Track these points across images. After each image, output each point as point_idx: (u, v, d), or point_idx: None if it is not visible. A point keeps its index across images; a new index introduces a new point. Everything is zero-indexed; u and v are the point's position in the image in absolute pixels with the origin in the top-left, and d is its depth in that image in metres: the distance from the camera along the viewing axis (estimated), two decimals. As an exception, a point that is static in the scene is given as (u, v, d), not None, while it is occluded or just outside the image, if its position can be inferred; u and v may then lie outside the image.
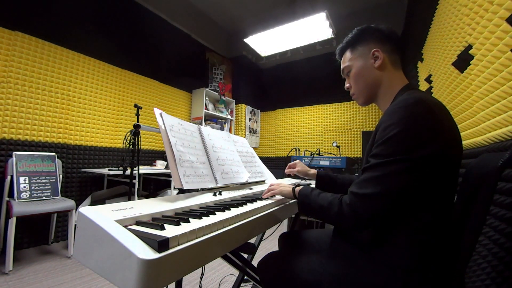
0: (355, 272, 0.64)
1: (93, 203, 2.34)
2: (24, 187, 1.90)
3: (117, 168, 2.36)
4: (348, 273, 0.65)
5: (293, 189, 0.86)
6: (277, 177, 1.54)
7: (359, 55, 0.79)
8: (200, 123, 3.58)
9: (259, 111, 4.79)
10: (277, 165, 4.45)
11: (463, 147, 0.97)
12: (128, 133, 1.81)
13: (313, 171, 1.10)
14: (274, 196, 0.94)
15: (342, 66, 0.85)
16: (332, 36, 3.11)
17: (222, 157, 1.09)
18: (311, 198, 0.75)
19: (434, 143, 0.56)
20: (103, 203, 0.67)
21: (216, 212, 0.63)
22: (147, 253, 0.38)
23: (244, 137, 3.53)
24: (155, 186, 3.16)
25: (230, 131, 4.16)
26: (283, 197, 0.93)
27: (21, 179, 1.90)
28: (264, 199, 0.91)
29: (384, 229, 0.63)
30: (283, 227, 2.56)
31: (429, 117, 0.58)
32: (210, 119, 3.89)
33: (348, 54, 0.82)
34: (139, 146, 1.82)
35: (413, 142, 0.57)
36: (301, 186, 0.84)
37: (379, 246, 0.63)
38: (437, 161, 0.57)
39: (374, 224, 0.63)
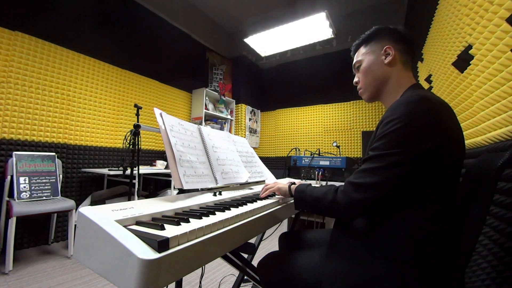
0: (354, 267, 0.65)
1: (93, 203, 2.34)
2: (24, 187, 1.90)
3: (117, 168, 2.36)
4: (347, 269, 0.66)
5: (289, 186, 0.87)
6: (277, 177, 1.54)
7: (371, 50, 0.80)
8: (200, 123, 3.58)
9: (259, 111, 4.79)
10: (277, 165, 4.45)
11: (463, 147, 0.97)
12: (128, 133, 1.81)
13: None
14: (274, 194, 0.94)
15: (354, 61, 0.86)
16: (332, 36, 3.11)
17: (222, 157, 1.10)
18: (307, 192, 0.76)
19: (432, 141, 0.57)
20: (103, 203, 0.67)
21: (216, 212, 0.63)
22: (147, 253, 0.38)
23: (244, 137, 3.53)
24: (155, 186, 3.16)
25: (230, 131, 4.16)
26: (283, 196, 0.94)
27: (21, 179, 1.90)
28: (264, 198, 0.92)
29: (381, 219, 0.64)
30: (283, 227, 2.56)
31: (431, 114, 0.59)
32: (210, 119, 3.89)
33: (362, 49, 0.83)
34: (139, 146, 1.82)
35: (412, 138, 0.58)
36: (297, 184, 0.85)
37: (378, 237, 0.64)
38: (435, 158, 0.57)
39: (366, 212, 0.65)
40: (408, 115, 0.59)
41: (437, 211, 0.59)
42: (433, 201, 0.59)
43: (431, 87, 1.73)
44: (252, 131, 4.57)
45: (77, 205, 2.12)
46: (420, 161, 0.58)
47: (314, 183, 1.26)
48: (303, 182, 1.08)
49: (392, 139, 0.60)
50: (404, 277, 0.57)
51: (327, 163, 1.91)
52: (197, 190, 0.93)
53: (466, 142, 1.14)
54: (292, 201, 0.88)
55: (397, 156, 0.59)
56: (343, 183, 0.67)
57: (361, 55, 0.82)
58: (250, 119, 4.51)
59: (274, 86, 4.74)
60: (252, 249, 0.82)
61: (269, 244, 2.36)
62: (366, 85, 0.82)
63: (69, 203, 1.94)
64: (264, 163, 1.54)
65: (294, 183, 0.89)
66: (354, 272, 0.64)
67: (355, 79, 0.87)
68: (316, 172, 1.91)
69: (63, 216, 2.29)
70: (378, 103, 3.65)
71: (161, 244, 0.40)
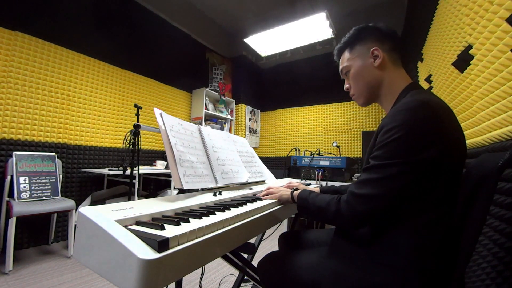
0: (354, 271, 0.64)
1: (93, 203, 2.34)
2: (24, 187, 1.90)
3: (117, 168, 2.36)
4: (347, 272, 0.65)
5: (292, 193, 0.86)
6: (277, 177, 1.54)
7: (358, 54, 0.77)
8: (200, 123, 3.58)
9: (259, 111, 4.79)
10: (277, 165, 4.45)
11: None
12: (128, 133, 1.81)
13: (316, 189, 1.10)
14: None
15: (340, 67, 0.83)
16: (332, 36, 3.11)
17: (222, 157, 1.10)
18: (309, 201, 0.76)
19: (434, 148, 0.56)
20: (103, 203, 0.67)
21: (216, 212, 0.63)
22: (147, 253, 0.38)
23: (244, 137, 3.53)
24: (155, 186, 3.16)
25: (230, 131, 4.16)
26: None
27: (21, 179, 1.90)
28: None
29: (384, 227, 0.64)
30: (283, 227, 2.56)
31: (432, 121, 0.58)
32: (210, 119, 3.89)
33: (346, 54, 0.81)
34: (139, 146, 1.82)
35: (413, 146, 0.57)
36: (299, 190, 0.84)
37: (379, 243, 0.64)
38: (437, 165, 0.57)
39: (370, 222, 0.65)
40: (408, 122, 0.58)
41: (438, 216, 0.59)
42: (434, 206, 0.59)
43: (431, 87, 1.73)
44: (252, 131, 4.57)
45: (77, 205, 2.12)
46: (422, 170, 0.57)
47: (314, 183, 1.26)
48: (303, 182, 1.08)
49: (393, 148, 0.59)
50: (405, 283, 0.57)
51: (327, 163, 1.91)
52: (197, 190, 0.93)
53: (466, 142, 1.14)
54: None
55: (399, 166, 0.57)
56: (342, 183, 0.66)
57: (347, 61, 0.79)
58: (250, 119, 4.51)
59: (274, 86, 4.74)
60: (252, 249, 0.82)
61: (269, 244, 2.36)
62: (359, 91, 0.80)
63: (69, 203, 1.94)
64: (264, 163, 1.54)
65: (296, 189, 0.88)
66: (354, 275, 0.64)
67: (346, 85, 0.84)
68: (316, 172, 1.91)
69: (63, 216, 2.29)
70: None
71: (161, 244, 0.40)
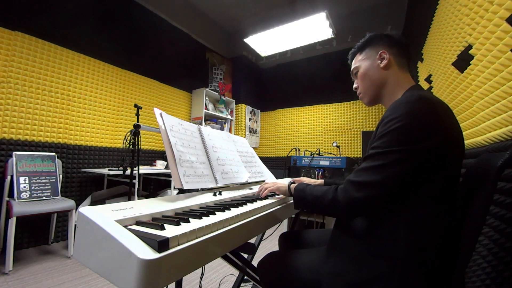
0: (354, 266, 0.65)
1: (93, 203, 2.34)
2: (24, 187, 1.90)
3: (117, 168, 2.36)
4: (347, 269, 0.66)
5: (289, 185, 0.88)
6: (277, 177, 1.54)
7: (367, 56, 0.83)
8: (200, 123, 3.58)
9: (259, 111, 4.79)
10: (277, 165, 4.45)
11: (463, 147, 0.98)
12: (128, 133, 1.81)
13: (320, 181, 1.11)
14: (274, 193, 0.94)
15: (352, 68, 0.89)
16: (332, 36, 3.11)
17: (222, 157, 1.10)
18: (307, 191, 0.77)
19: (432, 139, 0.57)
20: (103, 203, 0.67)
21: (216, 212, 0.63)
22: (147, 253, 0.38)
23: (244, 137, 3.53)
24: (155, 186, 3.16)
25: (230, 131, 4.16)
26: (283, 196, 0.94)
27: (21, 179, 1.90)
28: (263, 198, 0.92)
29: (382, 218, 0.64)
30: (283, 227, 2.56)
31: (430, 114, 0.60)
32: (210, 119, 3.89)
33: (358, 57, 0.87)
34: (139, 146, 1.82)
35: (412, 136, 0.59)
36: (296, 183, 0.85)
37: (378, 235, 0.64)
38: (434, 158, 0.58)
39: (366, 211, 0.65)
40: (408, 114, 0.60)
41: (437, 210, 0.59)
42: (433, 200, 0.60)
43: (431, 87, 1.73)
44: (252, 131, 4.57)
45: (77, 205, 2.12)
46: (420, 160, 0.58)
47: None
48: (302, 180, 1.08)
49: (392, 138, 0.61)
50: (404, 275, 0.57)
51: (327, 163, 1.91)
52: (197, 190, 0.93)
53: (466, 142, 1.14)
54: (292, 201, 0.88)
55: (397, 154, 0.59)
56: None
57: (358, 62, 0.86)
58: (250, 119, 4.50)
59: (274, 86, 4.74)
60: (252, 249, 0.82)
61: (269, 244, 2.36)
62: (365, 89, 0.85)
63: (69, 203, 1.94)
64: (264, 163, 1.54)
65: (293, 182, 0.89)
66: (354, 271, 0.64)
67: (355, 85, 0.90)
68: (316, 172, 1.92)
69: (63, 216, 2.29)
70: (378, 103, 3.65)
71: (161, 244, 0.40)
